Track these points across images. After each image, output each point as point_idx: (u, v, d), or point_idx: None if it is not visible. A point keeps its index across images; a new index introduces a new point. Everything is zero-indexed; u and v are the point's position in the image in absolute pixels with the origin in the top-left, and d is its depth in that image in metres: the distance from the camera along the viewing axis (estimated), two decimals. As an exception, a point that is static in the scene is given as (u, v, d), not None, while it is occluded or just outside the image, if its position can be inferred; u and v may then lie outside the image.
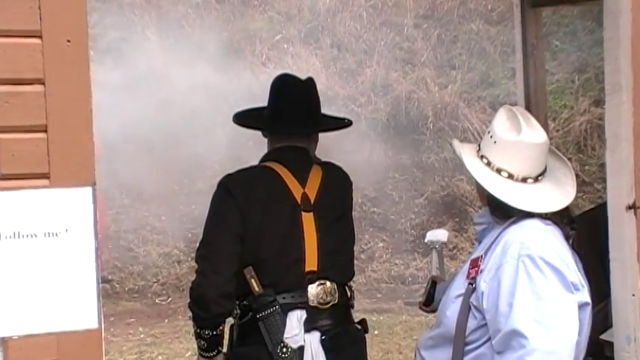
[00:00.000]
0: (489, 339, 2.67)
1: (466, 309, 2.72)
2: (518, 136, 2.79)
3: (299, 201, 3.43)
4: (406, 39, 13.87)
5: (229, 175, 3.50)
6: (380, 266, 11.22)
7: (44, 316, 2.24)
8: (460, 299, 2.76)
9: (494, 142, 2.81)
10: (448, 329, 2.79)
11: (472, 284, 2.73)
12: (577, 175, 10.82)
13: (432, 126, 12.86)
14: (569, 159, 11.43)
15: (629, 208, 2.68)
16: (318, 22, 13.91)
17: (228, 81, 12.72)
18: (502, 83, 13.30)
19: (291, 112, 3.51)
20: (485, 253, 2.76)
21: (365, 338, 3.60)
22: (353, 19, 13.93)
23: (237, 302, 3.41)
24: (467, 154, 2.86)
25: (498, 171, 2.79)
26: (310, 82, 3.61)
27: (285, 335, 3.31)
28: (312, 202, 3.44)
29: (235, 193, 3.39)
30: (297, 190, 3.45)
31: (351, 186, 3.69)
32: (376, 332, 8.79)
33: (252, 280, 3.33)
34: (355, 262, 3.70)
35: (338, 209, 3.55)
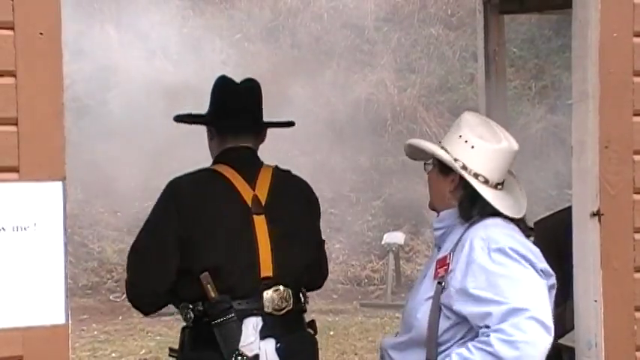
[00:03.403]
0: (462, 337, 2.72)
1: (437, 310, 2.74)
2: (499, 144, 2.87)
3: (249, 203, 3.33)
4: (366, 41, 13.92)
5: (176, 179, 3.40)
6: (336, 267, 11.25)
7: (10, 310, 2.21)
8: (430, 301, 2.78)
9: (472, 147, 2.86)
10: (420, 333, 2.80)
11: (441, 283, 2.76)
12: (531, 181, 10.95)
13: (390, 129, 12.92)
14: (525, 165, 11.57)
15: (594, 215, 2.71)
16: (279, 22, 13.91)
17: (186, 78, 12.66)
18: (460, 88, 13.42)
19: (236, 107, 3.45)
20: (453, 252, 2.79)
21: (317, 342, 3.52)
22: (314, 20, 13.95)
23: (191, 306, 3.32)
24: (444, 155, 2.90)
25: (475, 175, 2.85)
26: (251, 81, 3.59)
27: (241, 344, 3.23)
28: (263, 204, 3.35)
29: (180, 198, 3.31)
30: (247, 193, 3.35)
31: (309, 190, 3.57)
32: (331, 333, 8.81)
33: (209, 286, 3.23)
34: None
35: (292, 212, 3.42)
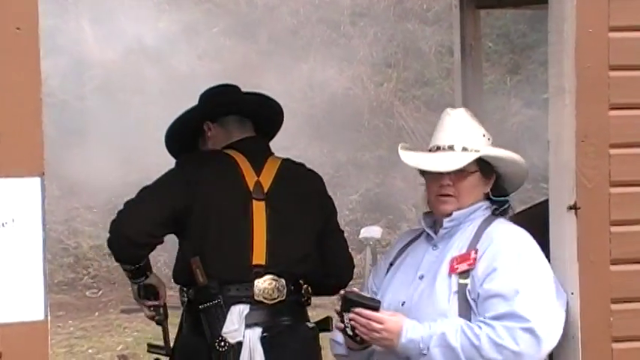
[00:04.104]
0: None
1: (465, 302, 2.69)
2: None
3: (251, 188, 3.39)
4: (343, 36, 13.94)
5: (187, 155, 3.52)
6: (313, 262, 11.25)
7: (-11, 307, 2.20)
8: (457, 295, 2.70)
9: (488, 139, 2.90)
10: None
11: (466, 278, 2.70)
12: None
13: (367, 123, 12.94)
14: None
15: (570, 208, 2.74)
16: (255, 16, 13.88)
17: (162, 73, 12.61)
18: (437, 83, 13.47)
19: (238, 102, 3.56)
20: (475, 248, 2.73)
21: (317, 338, 3.48)
22: (290, 15, 13.93)
23: (184, 290, 3.40)
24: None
25: None
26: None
27: (224, 330, 3.28)
28: (265, 191, 3.40)
29: (186, 170, 3.40)
30: (250, 178, 3.40)
31: (320, 184, 3.60)
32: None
33: (198, 271, 3.30)
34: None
35: (295, 202, 3.45)
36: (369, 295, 2.82)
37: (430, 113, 12.73)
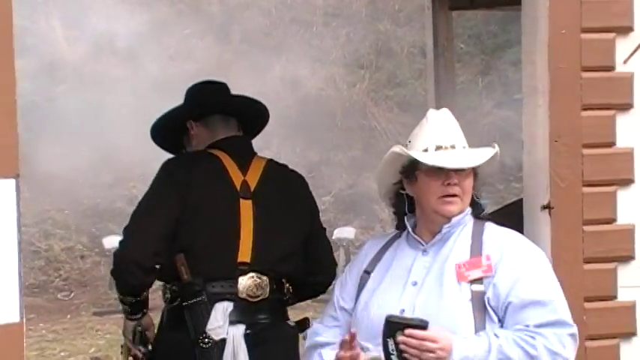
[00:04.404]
0: None
1: (482, 309, 2.59)
2: None
3: (238, 188, 3.41)
4: (315, 36, 13.94)
5: (172, 158, 3.53)
6: (287, 263, 11.24)
7: (-37, 310, 2.18)
8: (471, 303, 2.59)
9: None
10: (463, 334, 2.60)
11: (481, 285, 2.59)
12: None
13: (340, 124, 12.96)
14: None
15: (544, 207, 2.77)
16: (227, 17, 13.85)
17: (134, 74, 12.55)
18: (409, 83, 13.52)
19: (224, 101, 3.58)
20: (481, 253, 2.63)
21: (297, 337, 3.49)
22: (262, 15, 13.92)
23: (168, 286, 3.41)
24: None
25: None
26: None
27: (208, 327, 3.29)
28: (251, 189, 3.42)
29: (175, 175, 3.39)
30: (237, 177, 3.43)
31: (303, 185, 3.61)
32: (283, 328, 8.81)
33: (182, 268, 3.31)
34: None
35: (281, 202, 3.47)
36: (416, 317, 2.58)
37: (402, 114, 12.79)
